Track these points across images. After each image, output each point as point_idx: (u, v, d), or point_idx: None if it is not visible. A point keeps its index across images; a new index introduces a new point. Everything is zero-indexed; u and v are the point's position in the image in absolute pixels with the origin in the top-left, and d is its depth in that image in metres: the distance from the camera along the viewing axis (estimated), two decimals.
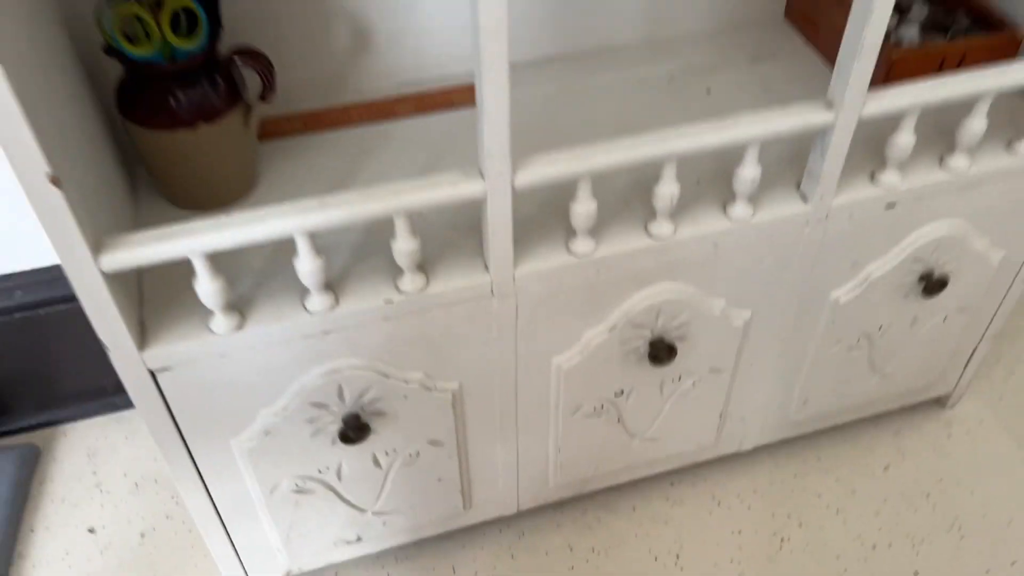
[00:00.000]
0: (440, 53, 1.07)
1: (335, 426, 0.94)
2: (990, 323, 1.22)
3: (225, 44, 0.89)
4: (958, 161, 0.95)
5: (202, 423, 0.89)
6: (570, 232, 0.89)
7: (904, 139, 0.90)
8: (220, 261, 0.78)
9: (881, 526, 1.26)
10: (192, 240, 0.74)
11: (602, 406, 1.06)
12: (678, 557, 1.23)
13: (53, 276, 1.23)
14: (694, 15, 1.16)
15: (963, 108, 0.92)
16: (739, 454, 1.30)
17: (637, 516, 1.28)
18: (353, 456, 0.99)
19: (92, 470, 1.35)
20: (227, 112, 0.89)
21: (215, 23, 0.86)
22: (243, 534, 1.04)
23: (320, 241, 0.81)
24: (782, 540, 1.25)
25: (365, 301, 0.85)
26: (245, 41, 0.94)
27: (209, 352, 0.83)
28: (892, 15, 1.00)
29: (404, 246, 0.82)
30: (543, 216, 0.93)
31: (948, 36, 1.05)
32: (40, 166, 0.64)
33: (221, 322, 0.82)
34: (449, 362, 0.94)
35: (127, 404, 1.38)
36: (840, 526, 1.26)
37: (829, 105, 0.84)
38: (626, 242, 0.90)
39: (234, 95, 0.89)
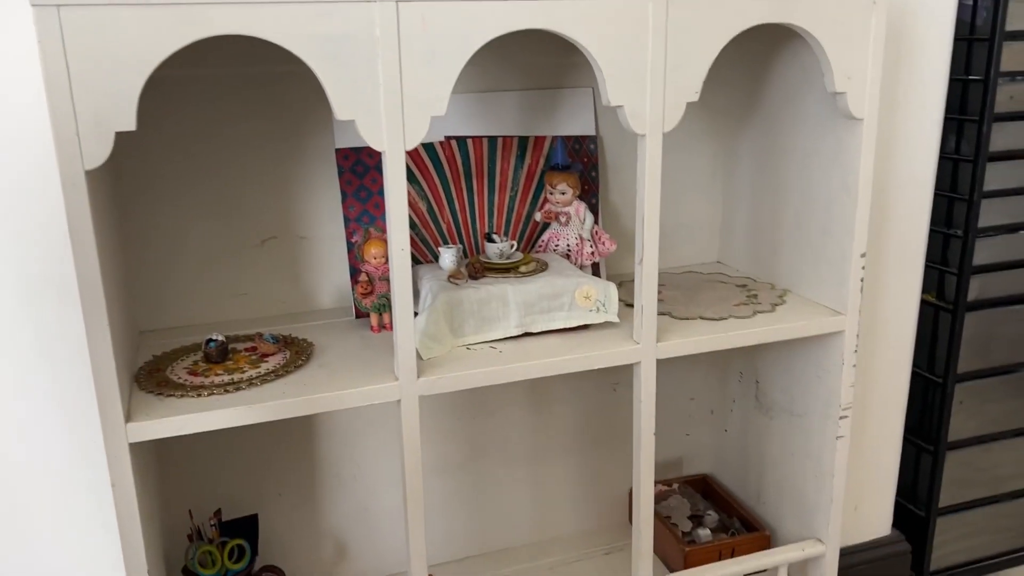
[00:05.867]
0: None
1: None
2: None
3: (257, 563, 1.35)
4: None
5: None
6: None
7: None
8: None
9: None
10: None
11: None
12: None
13: None
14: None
15: None
16: None
17: None
18: None
19: None
20: None
21: (254, 552, 1.34)
22: None
23: None
24: None
25: None
26: (269, 561, 1.41)
27: None
28: (689, 519, 1.57)
29: None
30: None
31: (730, 534, 1.59)
32: None
33: None
34: None
35: None
36: None
37: None
38: None
39: None
